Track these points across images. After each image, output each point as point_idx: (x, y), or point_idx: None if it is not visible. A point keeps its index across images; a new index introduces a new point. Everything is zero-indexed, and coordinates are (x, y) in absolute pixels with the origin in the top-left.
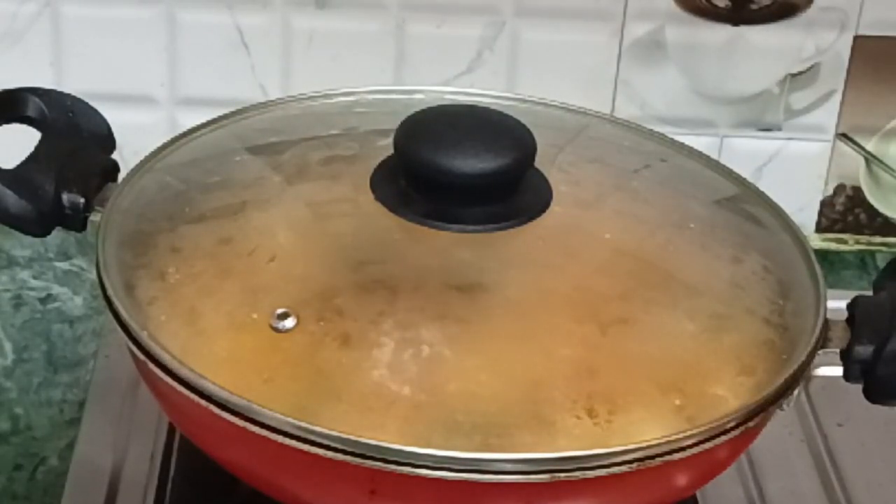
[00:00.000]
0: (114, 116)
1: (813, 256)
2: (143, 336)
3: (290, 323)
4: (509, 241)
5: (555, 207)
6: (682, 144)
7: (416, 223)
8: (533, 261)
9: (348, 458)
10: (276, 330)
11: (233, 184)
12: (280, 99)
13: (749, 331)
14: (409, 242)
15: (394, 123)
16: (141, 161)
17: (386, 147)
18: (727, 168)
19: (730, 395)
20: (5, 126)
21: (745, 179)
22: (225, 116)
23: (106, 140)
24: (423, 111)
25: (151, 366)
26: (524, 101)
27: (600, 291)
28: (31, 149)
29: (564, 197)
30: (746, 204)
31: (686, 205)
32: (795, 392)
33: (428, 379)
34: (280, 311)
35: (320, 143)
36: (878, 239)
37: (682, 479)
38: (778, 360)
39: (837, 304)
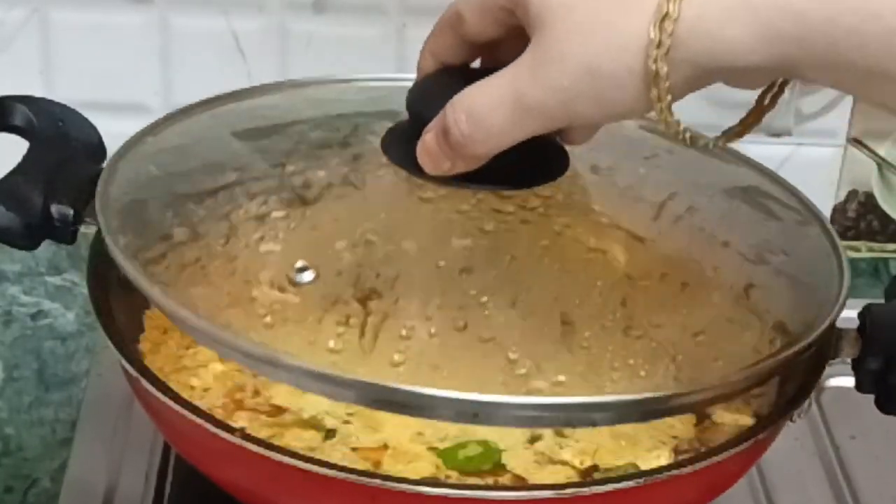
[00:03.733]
0: (106, 126)
1: (841, 251)
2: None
3: (308, 276)
4: (528, 213)
5: (573, 170)
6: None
7: (434, 183)
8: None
9: (349, 475)
10: (295, 283)
11: (225, 171)
12: (274, 83)
13: (758, 338)
14: (427, 208)
15: (390, 105)
16: (122, 146)
17: (385, 127)
18: (743, 155)
19: (740, 406)
20: None
21: (760, 164)
22: (215, 99)
23: (96, 150)
24: (434, 73)
25: (145, 383)
26: None
27: (605, 302)
28: (19, 159)
29: (581, 164)
30: (760, 196)
31: (695, 195)
32: (806, 403)
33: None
34: (300, 264)
35: (317, 125)
36: (891, 246)
37: (691, 494)
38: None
39: (849, 312)
